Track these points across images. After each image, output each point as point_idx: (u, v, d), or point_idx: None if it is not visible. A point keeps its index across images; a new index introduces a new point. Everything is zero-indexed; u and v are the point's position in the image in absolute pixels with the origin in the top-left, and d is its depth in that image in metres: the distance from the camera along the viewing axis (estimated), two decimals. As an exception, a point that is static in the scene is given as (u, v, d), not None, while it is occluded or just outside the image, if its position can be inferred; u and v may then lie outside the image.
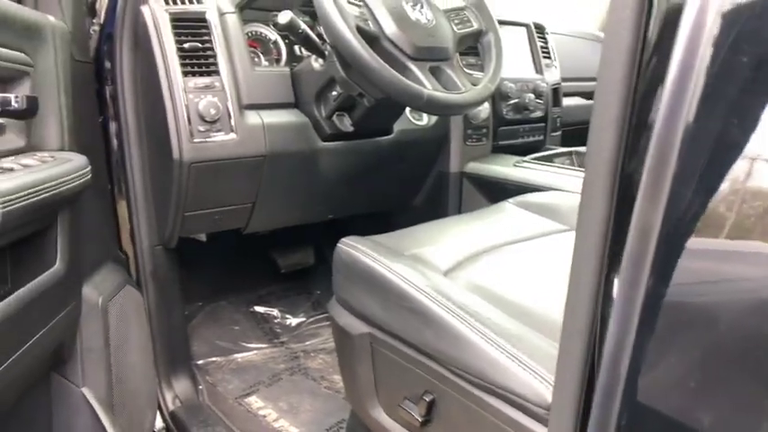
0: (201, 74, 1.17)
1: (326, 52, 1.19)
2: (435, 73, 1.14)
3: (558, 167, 1.47)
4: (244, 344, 1.59)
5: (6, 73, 0.84)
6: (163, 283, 1.33)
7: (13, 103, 0.80)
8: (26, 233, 0.80)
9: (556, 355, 0.51)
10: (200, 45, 1.17)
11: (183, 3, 1.19)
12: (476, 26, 1.26)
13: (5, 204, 0.66)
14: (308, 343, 1.63)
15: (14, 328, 0.75)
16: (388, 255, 0.93)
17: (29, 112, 0.86)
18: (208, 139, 1.16)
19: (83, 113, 1.03)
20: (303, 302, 1.81)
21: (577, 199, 0.47)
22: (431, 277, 0.88)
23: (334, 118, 1.27)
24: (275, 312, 1.74)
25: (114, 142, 1.27)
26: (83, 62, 1.08)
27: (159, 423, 1.30)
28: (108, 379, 1.01)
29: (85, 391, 0.95)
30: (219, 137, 1.17)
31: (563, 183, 1.36)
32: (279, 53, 1.39)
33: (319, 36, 1.21)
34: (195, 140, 1.15)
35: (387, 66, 1.03)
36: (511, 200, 1.29)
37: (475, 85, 1.18)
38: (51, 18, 0.95)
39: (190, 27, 1.17)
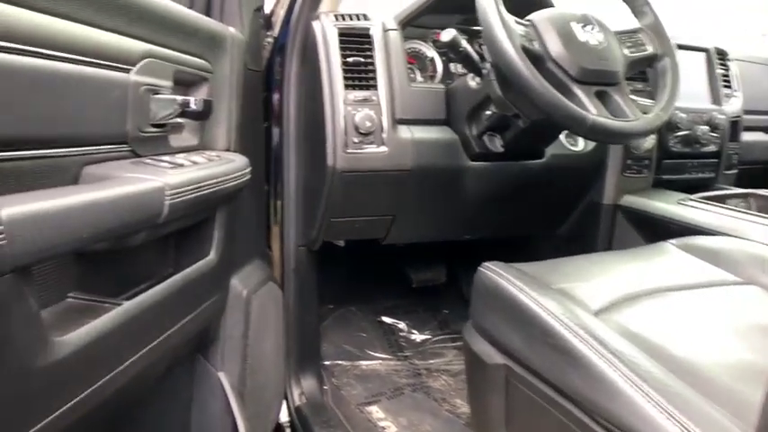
0: (361, 87, 1.21)
1: (484, 71, 1.18)
2: (601, 98, 1.07)
3: (733, 210, 1.30)
4: (369, 352, 1.62)
5: (190, 77, 0.93)
6: (303, 282, 1.40)
7: (192, 105, 0.88)
8: (188, 224, 0.87)
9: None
10: (362, 60, 1.22)
11: (351, 19, 1.25)
12: (650, 50, 1.16)
13: (173, 197, 0.72)
14: (431, 361, 1.61)
15: (172, 307, 0.82)
16: (534, 286, 0.88)
17: (204, 114, 0.94)
18: (360, 151, 1.20)
19: (249, 118, 1.11)
20: (430, 320, 1.80)
21: (758, 248, 0.40)
22: (581, 316, 0.81)
23: (485, 137, 1.25)
24: (402, 326, 1.75)
25: (274, 146, 1.36)
26: (254, 71, 1.18)
27: (284, 416, 1.35)
28: (243, 367, 1.07)
29: (222, 375, 1.02)
30: (371, 149, 1.21)
31: (739, 228, 1.20)
32: (435, 70, 1.40)
33: (478, 54, 1.20)
34: (349, 151, 1.19)
35: (550, 87, 0.99)
36: (673, 241, 1.16)
37: (645, 113, 1.09)
38: (232, 29, 1.04)
39: (355, 42, 1.23)
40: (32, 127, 0.60)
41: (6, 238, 0.46)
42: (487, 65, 1.16)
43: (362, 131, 1.19)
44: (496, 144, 1.24)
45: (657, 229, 1.35)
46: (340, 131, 1.19)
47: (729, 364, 0.75)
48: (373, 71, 1.23)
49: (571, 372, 0.77)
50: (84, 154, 0.69)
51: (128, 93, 0.75)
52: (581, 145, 1.40)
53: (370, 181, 1.24)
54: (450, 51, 1.16)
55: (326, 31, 1.22)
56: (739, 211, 1.30)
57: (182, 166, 0.80)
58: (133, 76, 0.75)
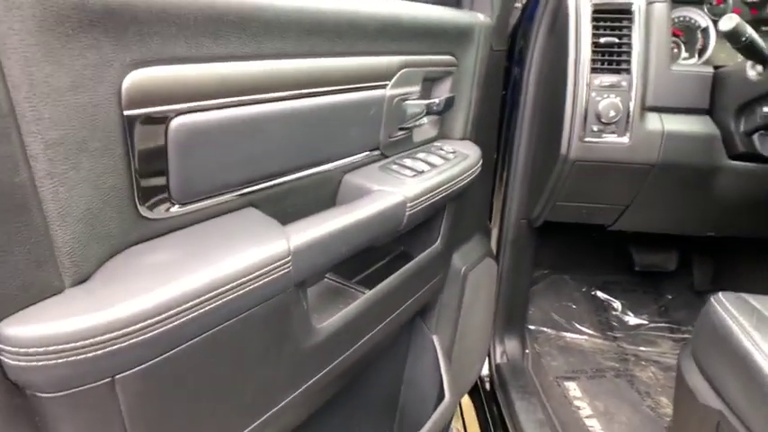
0: (611, 71, 1.13)
1: (770, 60, 0.99)
2: None
3: None
4: (577, 325, 1.62)
5: (437, 75, 0.99)
6: (519, 254, 1.44)
7: (435, 106, 0.95)
8: (423, 220, 0.97)
9: None
10: (616, 40, 1.13)
11: (611, -7, 1.14)
12: None
13: (412, 208, 0.81)
14: (642, 348, 1.55)
15: (403, 289, 0.95)
16: (766, 333, 0.79)
17: (445, 110, 1.00)
18: (598, 140, 1.14)
19: (487, 103, 1.13)
20: (650, 303, 1.70)
21: None
22: None
23: (756, 137, 1.08)
24: (616, 304, 1.69)
25: (507, 117, 1.37)
26: (498, 51, 1.17)
27: (486, 371, 1.48)
28: (453, 332, 1.19)
29: (435, 338, 1.15)
30: (611, 139, 1.14)
31: None
32: (705, 44, 1.22)
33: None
34: (585, 140, 1.15)
35: None
36: None
37: None
38: (480, 17, 1.04)
39: (610, 20, 1.13)
40: (308, 154, 0.74)
41: (293, 265, 0.61)
42: (774, 54, 0.97)
43: (604, 120, 1.13)
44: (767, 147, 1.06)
45: None
46: (579, 119, 1.14)
47: None
48: (628, 53, 1.12)
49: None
50: (344, 166, 0.82)
51: (384, 105, 0.84)
52: None
53: (604, 171, 1.18)
54: (729, 40, 1.00)
55: (580, 5, 1.14)
56: None
57: (421, 173, 0.88)
58: (389, 90, 0.84)
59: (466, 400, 1.43)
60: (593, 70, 1.13)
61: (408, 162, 0.91)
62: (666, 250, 1.73)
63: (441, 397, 1.09)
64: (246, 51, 0.60)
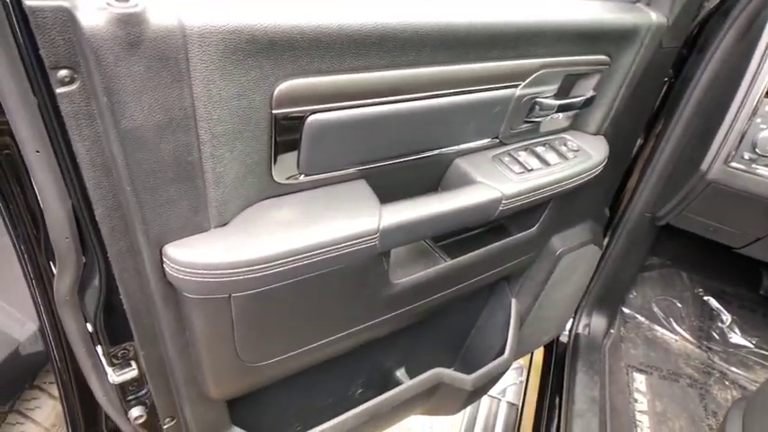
0: (786, 100, 1.02)
1: None
2: None
3: None
4: (673, 323, 1.61)
5: (582, 72, 0.98)
6: (632, 242, 1.44)
7: (569, 106, 0.97)
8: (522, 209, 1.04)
9: None
10: (811, 68, 1.00)
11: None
12: None
13: (507, 205, 0.90)
14: (733, 369, 1.51)
15: (491, 260, 1.07)
16: None
17: (581, 108, 1.01)
18: (746, 170, 1.07)
19: (637, 97, 1.09)
20: (763, 328, 1.60)
21: None
22: None
23: None
24: (725, 317, 1.62)
25: (658, 119, 1.29)
26: (670, 48, 1.10)
27: (565, 338, 1.57)
28: (532, 302, 1.29)
29: (513, 301, 1.26)
30: (762, 171, 1.06)
31: None
32: None
33: None
34: (732, 165, 1.08)
35: None
36: None
37: None
38: (652, 15, 0.98)
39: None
40: (423, 142, 0.85)
41: (379, 240, 0.76)
42: None
43: (759, 152, 1.05)
44: None
45: None
46: (731, 142, 1.07)
47: None
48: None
49: None
50: (458, 151, 0.91)
51: (511, 103, 0.90)
52: None
53: (743, 200, 1.12)
54: None
55: None
56: None
57: (530, 171, 0.94)
58: (519, 91, 0.89)
59: (537, 358, 1.56)
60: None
61: (522, 156, 0.97)
62: None
63: (501, 352, 1.23)
64: (383, 63, 0.70)
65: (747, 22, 1.09)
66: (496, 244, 1.04)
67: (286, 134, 0.69)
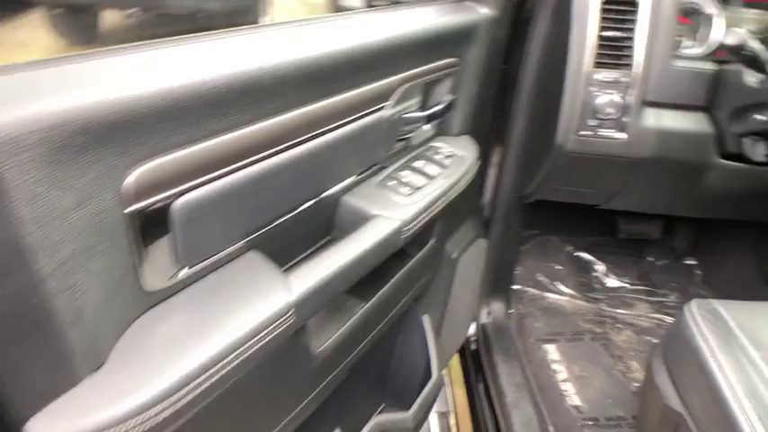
0: (612, 66, 1.11)
1: (770, 69, 0.98)
2: None
3: None
4: (560, 286, 1.70)
5: (437, 79, 0.97)
6: (508, 224, 1.49)
7: (435, 114, 0.95)
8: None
9: None
10: (620, 35, 1.09)
11: (621, -18, 1.09)
12: None
13: (409, 230, 0.84)
14: (619, 311, 1.64)
15: (403, 287, 1.01)
16: (729, 350, 0.86)
17: (446, 114, 1.00)
18: (594, 135, 1.15)
19: (485, 92, 1.12)
20: (631, 267, 1.77)
21: None
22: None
23: (746, 140, 1.09)
24: (599, 266, 1.77)
25: (504, 109, 1.35)
26: (500, 38, 1.13)
27: (473, 330, 1.57)
28: (443, 312, 1.27)
29: (425, 318, 1.22)
30: (607, 134, 1.14)
31: None
32: (709, 31, 1.18)
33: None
34: (581, 133, 1.15)
35: None
36: None
37: None
38: (484, 11, 1.01)
39: (618, 12, 1.09)
40: (308, 190, 0.76)
41: (295, 315, 0.65)
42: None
43: (601, 116, 1.12)
44: (758, 152, 1.08)
45: None
46: (576, 113, 1.14)
47: None
48: (630, 47, 1.10)
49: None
50: (342, 189, 0.84)
51: (382, 125, 0.84)
52: None
53: (598, 162, 1.20)
54: (730, 53, 0.98)
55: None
56: None
57: (418, 189, 0.90)
58: (388, 111, 0.84)
59: (454, 360, 1.54)
60: (597, 65, 1.10)
61: (405, 175, 0.92)
62: (651, 219, 1.78)
63: (428, 374, 1.18)
64: (248, 118, 0.60)
65: (557, 7, 1.17)
66: (404, 270, 0.98)
67: (153, 229, 0.55)
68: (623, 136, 1.14)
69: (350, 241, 0.76)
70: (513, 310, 1.63)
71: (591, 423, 1.31)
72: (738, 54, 0.98)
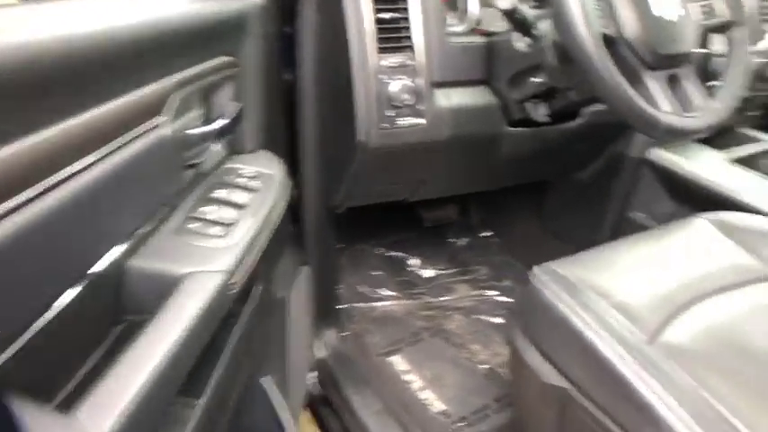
0: (396, 50, 1.04)
1: (535, 32, 1.02)
2: (672, 82, 0.96)
3: None
4: (383, 292, 1.63)
5: (217, 81, 0.78)
6: (324, 241, 1.35)
7: (222, 128, 0.75)
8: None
9: None
10: (396, 15, 1.04)
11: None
12: (722, 15, 1.02)
13: (233, 283, 0.64)
14: (443, 298, 1.64)
15: (244, 347, 0.78)
16: (585, 303, 0.86)
17: (237, 125, 0.81)
18: (395, 126, 1.07)
19: (273, 96, 0.96)
20: (440, 253, 1.79)
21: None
22: (636, 344, 0.80)
23: (529, 104, 1.13)
24: (412, 261, 1.75)
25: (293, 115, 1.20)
26: (274, 32, 0.99)
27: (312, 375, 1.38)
28: (283, 364, 1.06)
29: (265, 381, 1.00)
30: (407, 121, 1.08)
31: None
32: (466, 7, 1.21)
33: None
34: (382, 126, 1.06)
35: (625, 84, 0.87)
36: (708, 217, 1.13)
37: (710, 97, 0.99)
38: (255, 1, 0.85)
39: (388, -8, 1.03)
40: (71, 266, 0.50)
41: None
42: (542, 27, 1.01)
43: (397, 104, 1.05)
44: (540, 113, 1.13)
45: (685, 192, 1.32)
46: (372, 106, 1.04)
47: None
48: (407, 27, 1.05)
49: (628, 408, 0.79)
50: (125, 252, 0.58)
51: (161, 148, 0.62)
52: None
53: (403, 153, 1.13)
54: (506, 16, 1.00)
55: (354, -21, 1.01)
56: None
57: (233, 225, 0.69)
58: (165, 127, 0.62)
59: (305, 416, 1.34)
60: (381, 50, 1.03)
61: (209, 211, 0.70)
62: (447, 203, 1.83)
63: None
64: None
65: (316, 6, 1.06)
66: (236, 336, 0.76)
67: None
68: (422, 121, 1.09)
69: (157, 325, 0.52)
70: (347, 333, 1.49)
71: (461, 424, 1.24)
72: (512, 18, 1.00)
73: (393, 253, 1.77)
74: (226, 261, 0.62)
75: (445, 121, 1.11)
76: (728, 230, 1.10)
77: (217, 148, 0.80)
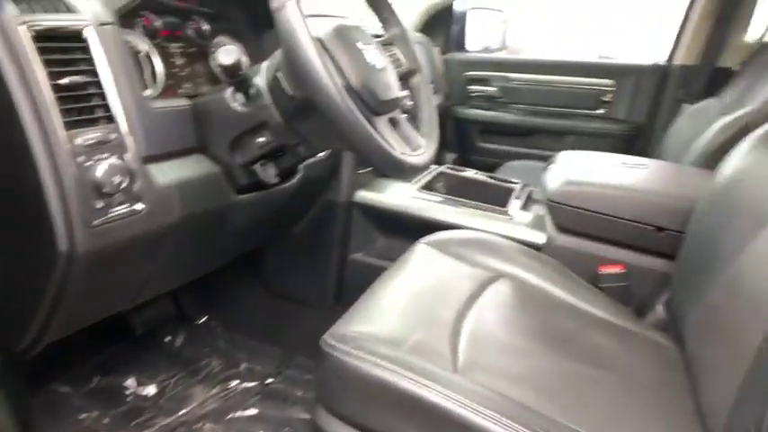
0: (90, 123, 0.80)
1: (252, 90, 0.95)
2: (393, 125, 1.02)
3: (451, 200, 1.47)
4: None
5: None
6: (7, 400, 0.93)
7: None
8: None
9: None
10: (81, 80, 0.79)
11: (44, 11, 0.78)
12: (406, 65, 1.15)
13: None
14: (181, 413, 1.34)
15: None
16: (390, 356, 0.82)
17: None
18: (109, 219, 0.81)
19: None
20: (158, 361, 1.47)
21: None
22: (447, 377, 0.81)
23: (257, 167, 1.03)
24: (128, 382, 1.38)
25: None
26: None
27: None
28: None
29: None
30: (122, 210, 0.84)
31: (461, 220, 1.39)
32: (153, 71, 1.03)
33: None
34: (94, 223, 0.79)
35: (372, 130, 0.87)
36: (424, 241, 1.24)
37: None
38: None
39: (63, 50, 0.78)
40: None
41: None
42: (258, 84, 0.94)
43: (108, 191, 0.80)
44: (270, 174, 1.04)
45: (390, 222, 1.45)
46: (73, 199, 0.77)
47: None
48: (101, 94, 0.82)
49: None
50: None
51: None
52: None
53: (121, 254, 0.87)
54: (227, 74, 0.88)
55: (10, 31, 0.72)
56: (456, 201, 1.48)
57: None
58: None
59: None
60: (69, 125, 0.76)
61: None
62: (159, 298, 1.51)
63: None
64: None
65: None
66: None
67: None
68: (142, 206, 0.86)
69: None
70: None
71: None
72: (236, 75, 0.89)
73: (102, 380, 1.36)
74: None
75: (169, 200, 0.92)
76: (443, 248, 1.23)
77: None
